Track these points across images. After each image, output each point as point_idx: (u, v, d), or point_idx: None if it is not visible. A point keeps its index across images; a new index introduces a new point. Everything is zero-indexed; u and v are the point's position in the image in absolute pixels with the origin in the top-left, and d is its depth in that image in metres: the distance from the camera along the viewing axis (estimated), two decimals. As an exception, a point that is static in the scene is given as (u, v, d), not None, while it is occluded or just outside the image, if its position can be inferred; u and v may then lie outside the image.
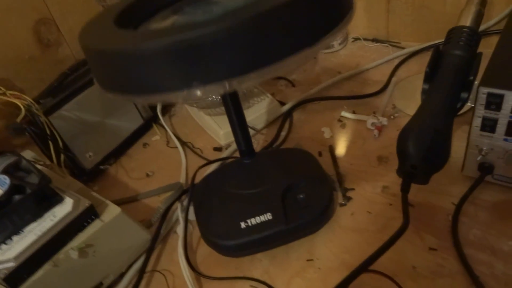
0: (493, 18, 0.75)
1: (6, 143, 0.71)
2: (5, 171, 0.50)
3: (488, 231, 0.47)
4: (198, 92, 0.29)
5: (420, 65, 0.78)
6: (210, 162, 0.65)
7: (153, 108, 0.81)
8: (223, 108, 0.70)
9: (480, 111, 0.46)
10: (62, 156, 0.64)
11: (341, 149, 0.65)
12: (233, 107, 0.50)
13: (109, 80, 0.36)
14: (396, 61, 0.81)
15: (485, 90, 0.44)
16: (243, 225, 0.51)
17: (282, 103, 0.77)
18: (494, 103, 0.44)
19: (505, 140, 0.46)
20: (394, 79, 0.76)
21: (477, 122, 0.47)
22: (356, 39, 0.93)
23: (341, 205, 0.55)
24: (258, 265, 0.51)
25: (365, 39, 0.91)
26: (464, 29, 0.48)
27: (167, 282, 0.52)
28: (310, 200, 0.52)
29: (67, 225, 0.47)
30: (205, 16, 0.29)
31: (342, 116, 0.71)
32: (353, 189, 0.57)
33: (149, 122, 0.82)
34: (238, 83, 0.30)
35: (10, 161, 0.52)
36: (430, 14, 0.79)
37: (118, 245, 0.52)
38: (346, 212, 0.54)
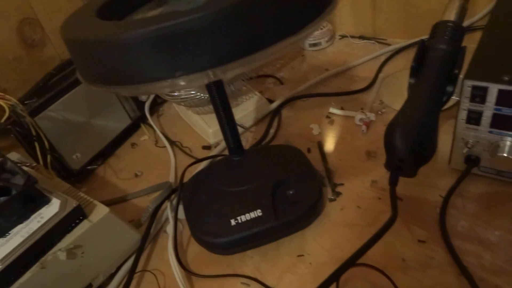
0: (477, 14, 0.76)
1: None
2: (-11, 173, 0.49)
3: (476, 222, 0.47)
4: (182, 82, 0.29)
5: (406, 61, 0.79)
6: (199, 161, 0.65)
7: (140, 108, 0.81)
8: (211, 106, 0.70)
9: (465, 104, 0.47)
10: (49, 157, 0.63)
11: (329, 145, 0.65)
12: (221, 104, 0.50)
13: (91, 71, 0.36)
14: (383, 58, 0.81)
15: (469, 83, 0.45)
16: (233, 222, 0.50)
17: (271, 101, 0.77)
18: (479, 95, 0.45)
19: (490, 132, 0.47)
20: (381, 75, 0.77)
21: (463, 115, 0.48)
22: (343, 36, 0.93)
23: (331, 200, 0.55)
24: (249, 262, 0.51)
25: (352, 37, 0.92)
26: (449, 24, 0.49)
27: (158, 282, 0.51)
28: (299, 196, 0.52)
29: (55, 226, 0.47)
30: (189, 6, 0.29)
31: (330, 113, 0.71)
32: (342, 184, 0.57)
33: (137, 122, 0.81)
34: (222, 72, 0.29)
35: (-5, 162, 0.51)
36: (415, 10, 0.80)
37: (107, 245, 0.51)
38: (335, 207, 0.54)
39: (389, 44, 0.85)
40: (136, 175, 0.71)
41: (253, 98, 0.76)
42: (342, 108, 0.71)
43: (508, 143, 0.46)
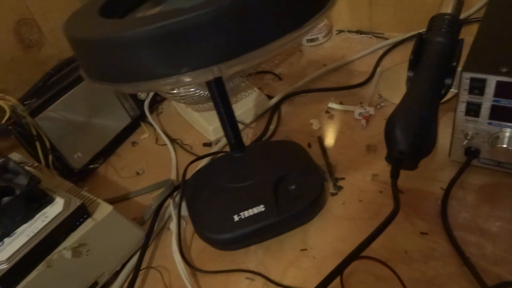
0: (473, 6, 0.76)
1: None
2: (-8, 174, 0.50)
3: (477, 214, 0.48)
4: (187, 78, 0.30)
5: (403, 55, 0.79)
6: (200, 158, 0.65)
7: (140, 106, 0.81)
8: (211, 103, 0.71)
9: (464, 96, 0.47)
10: (50, 157, 0.63)
11: (330, 139, 0.65)
12: (221, 100, 0.50)
13: (96, 69, 0.36)
14: (380, 52, 0.82)
15: (468, 75, 0.45)
16: (236, 218, 0.51)
17: (270, 97, 0.77)
18: (477, 87, 0.45)
19: (489, 124, 0.47)
20: (379, 70, 0.77)
21: (462, 107, 0.48)
22: (340, 31, 0.94)
23: (333, 194, 0.56)
24: (253, 257, 0.51)
25: (349, 31, 0.92)
26: (446, 16, 0.49)
27: (163, 278, 0.52)
28: (301, 191, 0.53)
29: (59, 225, 0.47)
30: (191, 3, 0.29)
31: (329, 108, 0.72)
32: (343, 178, 0.58)
33: (137, 120, 0.81)
34: (227, 68, 0.30)
35: (-3, 163, 0.51)
36: (411, 4, 0.80)
37: (111, 243, 0.52)
38: (337, 201, 0.55)
39: (386, 38, 0.85)
40: (138, 173, 0.71)
41: (252, 95, 0.76)
42: (341, 103, 0.71)
43: (507, 134, 0.47)
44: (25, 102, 0.64)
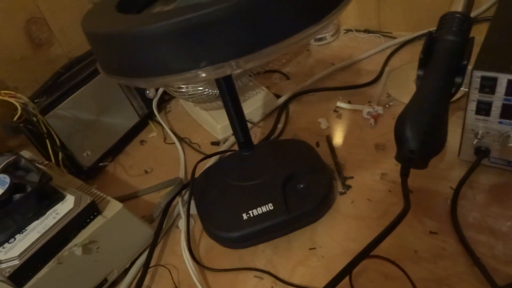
0: (484, 4, 0.76)
1: (1, 144, 0.70)
2: (4, 170, 0.50)
3: (487, 213, 0.48)
4: (205, 74, 0.30)
5: (412, 54, 0.79)
6: (209, 156, 0.65)
7: (148, 105, 0.81)
8: (219, 102, 0.71)
9: (475, 95, 0.47)
10: (60, 155, 0.64)
11: (338, 138, 0.65)
12: (230, 99, 0.50)
13: (114, 64, 0.36)
14: (389, 51, 0.81)
15: (478, 73, 0.45)
16: (245, 216, 0.51)
17: (278, 96, 0.77)
18: (488, 86, 0.45)
19: (500, 123, 0.47)
20: (387, 69, 0.77)
21: (472, 106, 0.48)
22: (348, 30, 0.93)
23: (341, 193, 0.56)
24: (261, 255, 0.51)
25: (357, 30, 0.92)
26: (456, 15, 0.49)
27: (172, 276, 0.52)
28: (310, 189, 0.53)
29: (70, 222, 0.47)
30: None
31: (337, 107, 0.72)
32: (352, 177, 0.57)
33: (145, 119, 0.81)
34: (245, 62, 0.30)
35: (9, 160, 0.51)
36: (420, 2, 0.80)
37: (121, 240, 0.52)
38: (346, 200, 0.55)
39: (394, 37, 0.85)
40: (146, 172, 0.71)
41: (260, 94, 0.76)
42: (349, 102, 0.71)
43: (518, 133, 0.46)
44: (35, 100, 0.64)
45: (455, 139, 0.53)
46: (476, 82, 0.46)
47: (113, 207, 0.51)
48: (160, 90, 0.83)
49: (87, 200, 0.49)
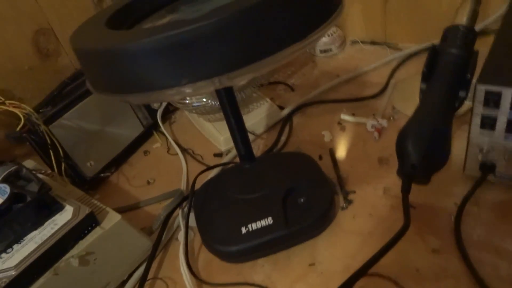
0: (489, 17, 0.75)
1: (7, 154, 0.71)
2: (5, 180, 0.50)
3: (492, 231, 0.46)
4: (188, 90, 0.29)
5: (418, 66, 0.78)
6: (209, 168, 0.65)
7: (153, 116, 0.81)
8: (222, 114, 0.71)
9: (479, 109, 0.46)
10: (63, 165, 0.64)
11: (341, 152, 0.64)
12: (231, 111, 0.50)
13: (99, 80, 0.36)
14: (394, 63, 0.81)
15: (482, 87, 0.44)
16: (244, 230, 0.50)
17: (282, 108, 0.77)
18: (493, 100, 0.44)
19: (506, 138, 0.46)
20: (392, 81, 0.76)
21: (477, 120, 0.47)
22: (354, 42, 0.93)
23: (343, 208, 0.55)
24: (260, 270, 0.50)
25: (362, 42, 0.91)
26: (460, 27, 0.48)
27: (169, 289, 0.51)
28: (311, 204, 0.52)
29: (68, 233, 0.47)
30: (198, 13, 0.29)
31: (341, 119, 0.71)
32: (354, 191, 0.56)
33: (150, 129, 0.82)
34: (228, 79, 0.30)
35: (10, 169, 0.52)
36: (426, 14, 0.79)
37: (119, 252, 0.52)
38: (347, 215, 0.54)
39: (400, 49, 0.84)
40: (149, 183, 0.71)
41: (264, 105, 0.76)
42: (353, 115, 0.71)
43: (524, 149, 0.45)
44: (40, 110, 0.65)
45: (460, 154, 0.52)
46: (480, 96, 0.45)
47: (112, 218, 0.51)
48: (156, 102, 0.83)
49: (85, 211, 0.49)
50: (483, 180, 0.49)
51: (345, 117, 0.71)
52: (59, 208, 0.50)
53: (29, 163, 0.64)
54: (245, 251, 0.50)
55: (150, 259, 0.54)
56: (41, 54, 0.75)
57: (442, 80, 0.46)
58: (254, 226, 0.50)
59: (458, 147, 0.54)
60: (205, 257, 0.54)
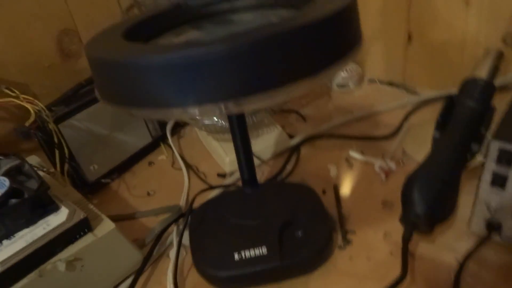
0: (510, 73, 0.74)
1: (15, 146, 0.71)
2: (6, 173, 0.50)
3: (492, 294, 0.44)
4: (194, 111, 0.29)
5: (434, 112, 0.76)
6: (211, 188, 0.64)
7: (162, 128, 0.81)
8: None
9: (491, 165, 0.45)
10: (67, 165, 0.64)
11: (345, 189, 0.63)
12: (240, 135, 0.49)
13: (106, 89, 0.36)
14: (410, 107, 0.80)
15: (497, 144, 0.43)
16: (236, 256, 0.49)
17: (291, 136, 0.77)
18: (506, 158, 0.43)
19: (516, 199, 0.45)
20: (406, 124, 0.76)
21: (487, 176, 0.46)
22: (371, 80, 0.93)
23: (340, 247, 0.53)
24: (248, 300, 0.49)
25: (380, 82, 0.91)
26: (479, 81, 0.48)
27: (152, 307, 0.50)
28: (308, 238, 0.51)
29: (59, 235, 0.47)
30: (219, 34, 0.29)
31: (350, 156, 0.70)
32: (354, 232, 0.55)
33: (157, 141, 0.82)
34: (234, 106, 0.29)
35: (13, 164, 0.52)
36: (447, 62, 0.79)
37: (107, 262, 0.51)
38: (344, 255, 0.52)
39: (417, 93, 0.84)
40: (149, 194, 0.70)
41: (274, 132, 0.75)
42: (362, 153, 0.70)
43: (534, 213, 0.44)
44: (52, 108, 0.66)
45: (467, 208, 0.50)
46: (494, 152, 0.44)
47: (105, 227, 0.50)
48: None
49: (80, 215, 0.48)
50: (488, 239, 0.48)
51: (353, 154, 0.70)
52: (55, 208, 0.49)
53: (33, 159, 0.64)
54: (235, 279, 0.49)
55: (138, 273, 0.53)
56: (63, 54, 0.76)
57: (456, 131, 0.45)
58: (247, 253, 0.49)
59: (465, 201, 0.53)
60: (193, 279, 0.53)
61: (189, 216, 0.59)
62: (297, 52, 0.31)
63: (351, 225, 0.56)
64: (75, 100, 0.69)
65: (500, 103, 0.48)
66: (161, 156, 0.80)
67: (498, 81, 0.73)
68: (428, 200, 0.41)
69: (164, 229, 0.59)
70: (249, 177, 0.53)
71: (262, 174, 0.70)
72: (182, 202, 0.66)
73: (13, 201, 0.47)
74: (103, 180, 0.72)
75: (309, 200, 0.58)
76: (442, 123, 0.47)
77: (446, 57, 0.79)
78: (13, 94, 0.58)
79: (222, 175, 0.72)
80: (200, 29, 0.48)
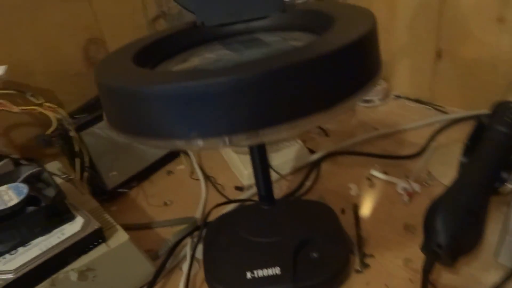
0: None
1: (39, 151, 0.72)
2: (26, 180, 0.51)
3: (519, 332, 0.41)
4: (198, 143, 0.28)
5: (462, 133, 0.74)
6: (228, 202, 0.63)
7: (183, 137, 0.81)
8: (250, 148, 0.70)
9: (522, 196, 0.42)
10: (86, 174, 0.65)
11: (366, 209, 0.61)
12: (258, 150, 0.49)
13: (110, 115, 0.36)
14: (438, 126, 0.77)
15: (529, 174, 0.41)
16: (249, 275, 0.48)
17: (312, 151, 0.75)
18: (539, 189, 0.40)
19: (549, 232, 0.42)
20: (433, 144, 0.73)
21: (518, 207, 0.43)
22: (398, 97, 0.91)
23: (357, 271, 0.51)
24: (258, 322, 0.47)
25: (407, 98, 0.89)
26: (511, 105, 0.45)
27: (162, 322, 0.49)
28: (324, 260, 0.49)
29: (73, 245, 0.47)
30: (251, 56, 0.28)
31: (371, 175, 0.68)
32: (372, 256, 0.53)
33: (177, 150, 0.82)
34: (239, 140, 0.28)
35: (33, 171, 0.52)
36: (479, 82, 0.76)
37: (120, 273, 0.50)
38: (361, 280, 0.50)
39: (446, 112, 0.81)
40: (166, 204, 0.70)
41: (294, 146, 0.74)
42: (385, 173, 0.67)
43: None
44: (76, 116, 0.67)
45: (494, 236, 0.48)
46: (525, 181, 0.41)
47: (119, 238, 0.50)
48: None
49: (94, 225, 0.48)
50: (517, 272, 0.45)
51: (375, 173, 0.68)
52: (70, 218, 0.50)
53: (54, 165, 0.65)
54: (246, 299, 0.48)
55: (150, 285, 0.52)
56: (89, 62, 0.78)
57: (485, 157, 0.43)
58: (260, 273, 0.48)
59: (492, 229, 0.50)
60: (205, 294, 0.52)
61: (204, 230, 0.58)
62: (309, 86, 0.29)
63: (370, 248, 0.54)
64: (98, 108, 0.69)
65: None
66: (180, 166, 0.80)
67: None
68: (452, 230, 0.39)
69: (179, 242, 0.58)
70: (266, 194, 0.52)
71: (280, 189, 0.69)
72: (198, 213, 0.66)
73: (30, 208, 0.48)
74: (121, 190, 0.72)
75: (327, 219, 0.56)
76: (471, 148, 0.45)
77: (477, 75, 0.76)
78: (37, 101, 0.59)
79: (240, 188, 0.71)
80: (230, 48, 0.47)
